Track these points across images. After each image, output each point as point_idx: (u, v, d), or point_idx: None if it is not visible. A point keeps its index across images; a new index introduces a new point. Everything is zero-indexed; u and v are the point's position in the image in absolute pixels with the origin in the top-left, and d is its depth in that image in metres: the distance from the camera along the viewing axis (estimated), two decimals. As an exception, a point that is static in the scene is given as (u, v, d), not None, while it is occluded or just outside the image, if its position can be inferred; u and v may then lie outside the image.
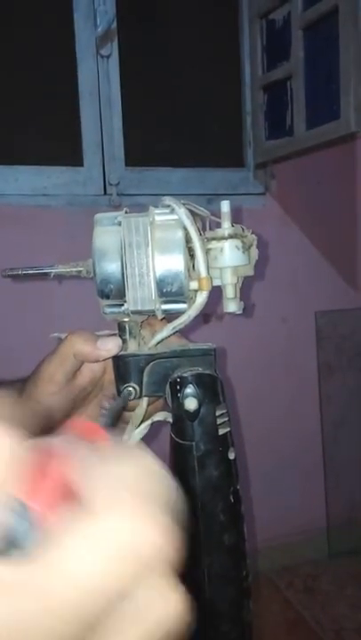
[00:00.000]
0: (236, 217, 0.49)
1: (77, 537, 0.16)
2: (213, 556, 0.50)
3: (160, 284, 0.46)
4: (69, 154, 1.67)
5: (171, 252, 0.46)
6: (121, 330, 0.50)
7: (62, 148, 1.70)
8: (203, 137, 1.88)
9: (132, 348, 0.50)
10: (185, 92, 1.85)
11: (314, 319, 1.91)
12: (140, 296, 0.47)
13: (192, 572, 0.49)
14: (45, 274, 0.50)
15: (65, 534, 0.16)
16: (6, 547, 0.15)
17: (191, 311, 0.48)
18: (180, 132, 1.85)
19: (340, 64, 1.42)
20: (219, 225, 0.49)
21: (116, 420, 0.48)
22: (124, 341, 0.49)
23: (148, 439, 0.50)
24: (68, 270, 0.50)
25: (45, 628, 0.15)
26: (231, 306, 0.49)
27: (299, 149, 1.62)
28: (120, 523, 0.16)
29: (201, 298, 0.47)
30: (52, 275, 0.50)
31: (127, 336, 0.50)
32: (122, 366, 0.50)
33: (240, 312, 0.49)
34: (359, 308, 1.95)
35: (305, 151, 1.62)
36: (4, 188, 1.59)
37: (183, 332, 0.52)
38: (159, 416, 0.50)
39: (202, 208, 0.49)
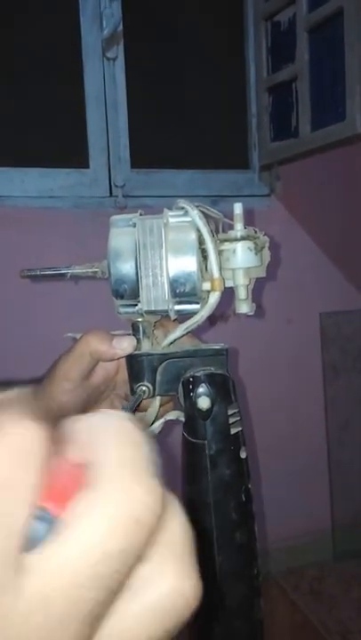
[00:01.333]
0: (245, 219, 0.49)
1: (82, 514, 0.17)
2: (225, 553, 0.50)
3: (173, 284, 0.47)
4: (75, 156, 1.68)
5: (184, 253, 0.47)
6: (135, 330, 0.51)
7: (68, 150, 1.71)
8: (208, 138, 1.88)
9: (146, 347, 0.51)
10: (190, 93, 1.85)
11: (319, 320, 1.91)
12: (154, 296, 0.48)
13: (204, 569, 0.50)
14: (62, 274, 0.51)
15: (73, 518, 0.17)
16: (29, 548, 0.16)
17: (204, 311, 0.49)
18: (186, 133, 1.85)
19: (345, 65, 1.42)
20: (231, 227, 0.50)
21: None
22: (138, 341, 0.50)
23: (160, 438, 0.51)
24: (85, 271, 0.51)
25: (71, 600, 0.16)
26: (243, 307, 0.50)
27: (304, 151, 1.62)
28: (115, 493, 0.17)
29: (213, 298, 0.48)
30: (69, 275, 0.51)
31: (141, 336, 0.51)
32: (135, 365, 0.50)
33: (252, 313, 0.50)
34: (364, 309, 1.95)
35: (310, 153, 1.63)
36: (10, 190, 1.59)
37: (194, 333, 0.53)
38: (172, 415, 0.50)
39: (215, 210, 0.50)
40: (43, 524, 0.16)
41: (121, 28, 1.63)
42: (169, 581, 0.18)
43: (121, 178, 1.69)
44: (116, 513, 0.17)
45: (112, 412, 0.20)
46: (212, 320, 1.76)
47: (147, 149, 1.76)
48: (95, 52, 1.65)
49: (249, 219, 0.50)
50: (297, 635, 1.62)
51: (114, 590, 0.17)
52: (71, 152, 1.69)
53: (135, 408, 0.49)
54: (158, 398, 0.52)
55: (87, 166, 1.69)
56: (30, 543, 0.16)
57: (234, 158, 1.90)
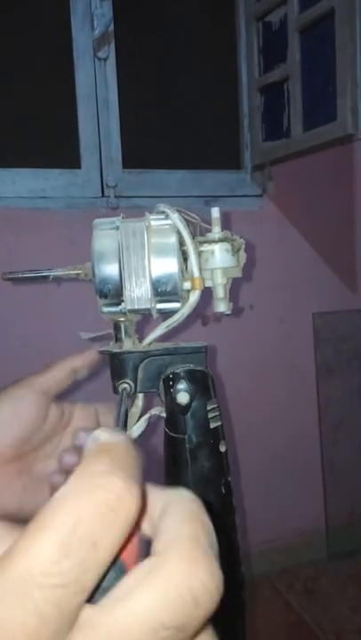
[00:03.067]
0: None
1: (143, 580, 0.17)
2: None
3: (155, 284, 0.49)
4: (67, 156, 1.68)
5: (165, 254, 0.49)
6: (116, 329, 0.53)
7: (60, 150, 1.71)
8: (200, 139, 1.89)
9: (128, 346, 0.52)
10: (182, 94, 1.86)
11: (312, 321, 1.92)
12: (137, 296, 0.50)
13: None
14: (44, 277, 0.53)
15: (135, 581, 0.17)
16: (98, 595, 0.17)
17: (184, 309, 0.51)
18: (178, 134, 1.86)
19: (336, 66, 1.43)
20: (208, 230, 0.53)
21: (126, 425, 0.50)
22: (120, 340, 0.52)
23: (146, 435, 0.52)
24: (67, 273, 0.53)
25: None
26: (221, 305, 0.52)
27: (296, 151, 1.63)
28: (179, 567, 0.17)
29: (194, 297, 0.50)
30: (51, 277, 0.53)
31: (122, 335, 0.52)
32: (117, 363, 0.51)
33: (229, 312, 0.52)
34: (357, 309, 1.95)
35: (302, 153, 1.63)
36: (1, 191, 1.59)
37: (178, 332, 0.54)
38: (155, 410, 0.51)
39: (193, 214, 0.52)
40: (113, 573, 0.17)
41: (112, 27, 1.63)
42: None
43: (113, 178, 1.69)
44: (177, 586, 0.17)
45: (185, 491, 0.20)
46: (204, 321, 1.76)
47: (139, 149, 1.76)
48: (86, 52, 1.66)
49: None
50: (292, 634, 1.62)
51: None
52: (63, 152, 1.70)
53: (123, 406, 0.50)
54: (141, 396, 0.53)
55: (79, 166, 1.69)
56: (102, 587, 0.17)
57: (226, 158, 1.90)
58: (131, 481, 0.17)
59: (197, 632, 0.18)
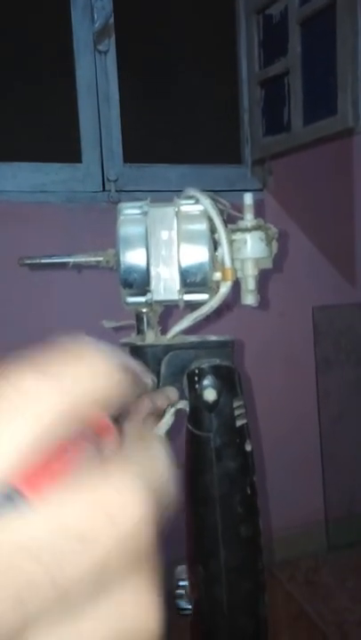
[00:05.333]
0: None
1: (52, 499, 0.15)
2: (230, 548, 0.50)
3: (184, 274, 0.46)
4: (68, 150, 1.67)
5: (196, 242, 0.46)
6: (139, 320, 0.50)
7: (60, 144, 1.70)
8: (200, 133, 1.88)
9: (150, 339, 0.50)
10: (182, 87, 1.85)
11: (311, 314, 1.92)
12: (164, 286, 0.47)
13: (209, 565, 0.49)
14: (64, 263, 0.50)
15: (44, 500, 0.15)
16: None
17: (213, 302, 0.48)
18: (178, 128, 1.85)
19: (337, 59, 1.42)
20: (235, 218, 0.50)
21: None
22: (142, 332, 0.49)
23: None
24: (87, 260, 0.50)
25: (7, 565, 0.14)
26: (250, 298, 0.49)
27: (296, 145, 1.62)
28: (98, 486, 0.16)
29: (225, 288, 0.48)
30: (71, 264, 0.50)
31: (145, 327, 0.50)
32: (140, 357, 0.49)
33: (256, 305, 0.50)
34: (356, 303, 1.96)
35: (302, 147, 1.63)
36: (2, 185, 1.58)
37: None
38: (181, 404, 0.49)
39: (223, 200, 0.49)
40: (5, 502, 0.15)
41: (112, 20, 1.62)
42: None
43: (114, 172, 1.68)
44: (86, 493, 0.15)
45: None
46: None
47: (139, 143, 1.75)
48: (87, 46, 1.64)
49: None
50: (293, 625, 1.63)
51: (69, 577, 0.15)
52: (63, 146, 1.68)
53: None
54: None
55: (80, 161, 1.68)
56: None
57: (226, 153, 1.89)
58: (144, 492, 0.16)
59: (125, 565, 0.15)
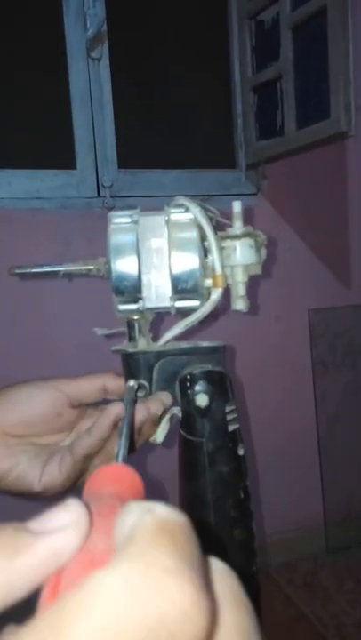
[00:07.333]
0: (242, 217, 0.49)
1: (80, 595, 0.12)
2: (224, 551, 0.50)
3: (176, 281, 0.47)
4: (62, 157, 1.67)
5: (187, 250, 0.47)
6: (130, 327, 0.50)
7: (55, 151, 1.70)
8: (194, 138, 1.89)
9: (142, 345, 0.50)
10: (176, 93, 1.86)
11: (307, 317, 1.93)
12: (156, 293, 0.48)
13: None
14: (54, 272, 0.51)
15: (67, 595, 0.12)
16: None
17: (205, 308, 0.49)
18: (172, 133, 1.86)
19: (329, 63, 1.43)
20: (225, 225, 0.50)
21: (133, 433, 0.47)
22: (134, 339, 0.50)
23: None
24: (78, 268, 0.50)
25: None
26: (240, 303, 0.50)
27: (290, 149, 1.63)
28: (139, 577, 0.12)
29: (215, 294, 0.48)
30: (62, 273, 0.51)
31: (137, 334, 0.50)
32: (132, 363, 0.50)
33: (247, 310, 0.50)
34: (352, 305, 1.97)
35: (296, 151, 1.64)
36: (-3, 192, 1.59)
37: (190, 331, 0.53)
38: (175, 410, 0.49)
39: (212, 208, 0.49)
40: None
41: (105, 27, 1.63)
42: None
43: (108, 178, 1.69)
44: (132, 606, 0.12)
45: (220, 564, 0.15)
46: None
47: (134, 149, 1.76)
48: (80, 53, 1.65)
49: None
50: (292, 628, 1.63)
51: None
52: (58, 153, 1.69)
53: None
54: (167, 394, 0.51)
55: (74, 167, 1.69)
56: None
57: (220, 157, 1.90)
58: (202, 589, 0.13)
59: None
